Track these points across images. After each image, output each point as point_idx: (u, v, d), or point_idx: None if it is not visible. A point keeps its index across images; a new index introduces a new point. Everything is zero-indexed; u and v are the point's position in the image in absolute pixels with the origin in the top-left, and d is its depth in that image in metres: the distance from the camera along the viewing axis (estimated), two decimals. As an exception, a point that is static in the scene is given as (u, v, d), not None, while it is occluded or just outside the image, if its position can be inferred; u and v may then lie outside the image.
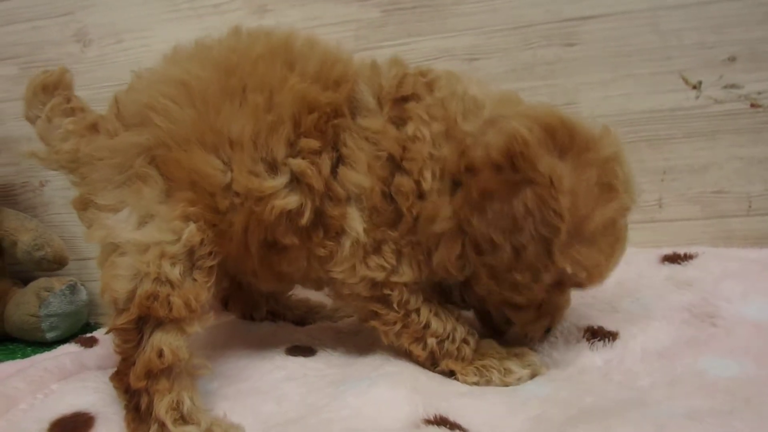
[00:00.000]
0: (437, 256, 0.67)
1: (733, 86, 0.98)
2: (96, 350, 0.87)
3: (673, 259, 0.90)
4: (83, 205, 0.72)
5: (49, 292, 1.15)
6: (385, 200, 0.68)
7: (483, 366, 0.71)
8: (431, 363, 0.73)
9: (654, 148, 1.02)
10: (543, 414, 0.61)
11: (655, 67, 0.99)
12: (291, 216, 0.69)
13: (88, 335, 0.93)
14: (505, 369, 0.70)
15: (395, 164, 0.67)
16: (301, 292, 0.98)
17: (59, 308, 1.15)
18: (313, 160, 0.68)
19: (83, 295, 1.19)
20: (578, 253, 0.63)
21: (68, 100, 0.77)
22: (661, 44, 0.99)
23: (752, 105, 0.98)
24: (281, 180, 0.68)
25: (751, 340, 0.68)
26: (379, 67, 0.73)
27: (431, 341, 0.72)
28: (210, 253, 0.69)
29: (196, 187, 0.69)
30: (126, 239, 0.67)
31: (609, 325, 0.75)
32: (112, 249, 0.68)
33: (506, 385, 0.70)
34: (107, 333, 0.68)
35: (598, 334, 0.73)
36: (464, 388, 0.70)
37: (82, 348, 0.88)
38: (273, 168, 0.69)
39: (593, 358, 0.71)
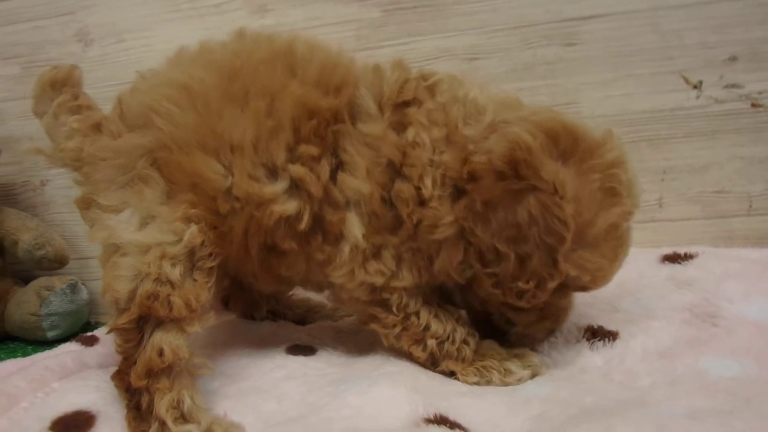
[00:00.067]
0: (438, 262, 0.67)
1: (733, 86, 0.98)
2: (97, 349, 0.87)
3: (673, 258, 0.90)
4: (86, 204, 0.72)
5: (49, 291, 1.15)
6: (385, 206, 0.68)
7: (483, 367, 0.71)
8: (431, 364, 0.73)
9: (654, 147, 1.02)
10: (544, 413, 0.61)
11: (655, 66, 0.99)
12: (290, 221, 0.69)
13: (89, 334, 0.93)
14: (505, 369, 0.70)
15: (395, 170, 0.67)
16: (302, 292, 0.98)
17: (60, 307, 1.15)
18: (312, 167, 0.68)
19: (84, 294, 1.19)
20: (582, 258, 0.62)
21: (76, 98, 0.77)
22: (662, 44, 0.99)
23: (753, 105, 0.98)
24: (281, 186, 0.69)
25: (752, 340, 0.68)
26: (382, 71, 0.72)
27: (431, 343, 0.72)
28: (210, 254, 0.69)
29: (197, 189, 0.69)
30: (127, 240, 0.67)
31: (609, 325, 0.75)
32: (113, 249, 0.68)
33: (506, 386, 0.70)
34: (108, 332, 0.68)
35: (598, 334, 0.73)
36: (464, 387, 0.70)
37: (83, 347, 0.88)
38: (273, 173, 0.69)
39: (593, 357, 0.71)
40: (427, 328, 0.71)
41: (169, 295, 0.65)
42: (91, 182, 0.72)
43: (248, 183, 0.68)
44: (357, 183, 0.68)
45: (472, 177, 0.64)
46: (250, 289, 0.93)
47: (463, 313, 0.75)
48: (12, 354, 1.10)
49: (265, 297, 0.95)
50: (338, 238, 0.69)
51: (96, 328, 1.04)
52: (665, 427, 0.52)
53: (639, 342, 0.71)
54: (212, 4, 1.14)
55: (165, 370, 0.65)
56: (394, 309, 0.71)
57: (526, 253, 0.62)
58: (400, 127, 0.68)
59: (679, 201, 1.03)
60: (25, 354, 1.06)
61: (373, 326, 0.74)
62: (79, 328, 1.19)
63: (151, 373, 0.64)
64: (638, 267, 0.89)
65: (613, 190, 0.63)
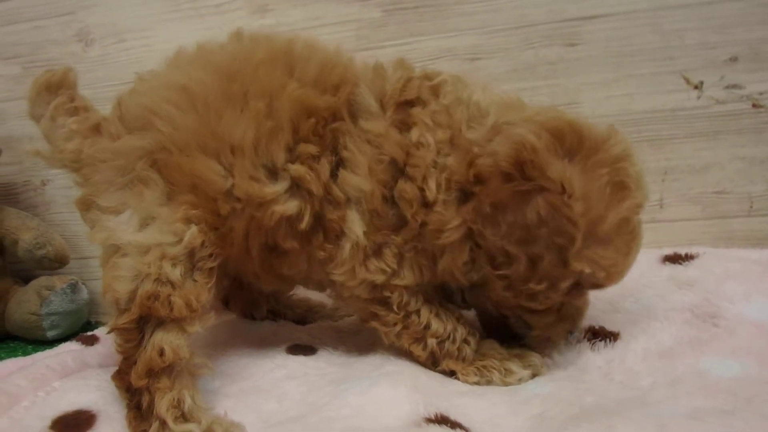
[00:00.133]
0: (443, 263, 0.67)
1: (734, 86, 0.98)
2: (97, 348, 0.87)
3: (674, 259, 0.90)
4: (86, 205, 0.73)
5: (50, 290, 1.15)
6: (386, 204, 0.68)
7: (484, 366, 0.71)
8: (432, 363, 0.73)
9: (655, 148, 1.02)
10: (544, 413, 0.61)
11: (656, 67, 0.99)
12: (290, 221, 0.69)
13: (89, 333, 0.93)
14: (506, 369, 0.70)
15: (398, 169, 0.67)
16: (302, 292, 0.98)
17: (60, 307, 1.15)
18: (311, 165, 0.68)
19: (84, 294, 1.19)
20: (595, 254, 0.62)
21: (72, 99, 0.77)
22: (663, 44, 0.99)
23: (754, 105, 0.98)
24: (281, 186, 0.69)
25: (752, 340, 0.68)
26: (384, 69, 0.72)
27: (431, 342, 0.72)
28: (210, 255, 0.70)
29: (198, 191, 0.69)
30: (127, 241, 0.67)
31: (610, 326, 0.75)
32: (113, 250, 0.68)
33: (507, 386, 0.70)
34: (109, 332, 0.68)
35: (599, 335, 0.73)
36: (465, 387, 0.70)
37: (83, 346, 0.88)
38: (273, 174, 0.69)
39: (594, 358, 0.71)
40: (427, 326, 0.71)
41: (169, 295, 0.65)
42: (91, 184, 0.72)
43: (249, 184, 0.68)
44: (358, 180, 0.68)
45: (479, 180, 0.64)
46: (250, 288, 0.93)
47: (465, 313, 0.75)
48: (12, 353, 1.10)
49: (265, 297, 0.95)
50: (339, 236, 0.69)
51: (96, 327, 1.04)
52: (666, 427, 0.52)
53: (640, 342, 0.71)
54: (212, 4, 1.14)
55: (165, 370, 0.65)
56: (395, 307, 0.71)
57: (537, 255, 0.62)
58: (403, 126, 0.68)
59: (680, 201, 1.03)
60: (25, 353, 1.06)
61: (374, 324, 0.74)
62: (79, 328, 1.19)
63: (152, 373, 0.64)
64: (639, 267, 0.87)
65: (622, 184, 0.63)
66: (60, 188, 1.27)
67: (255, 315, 0.95)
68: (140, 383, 0.64)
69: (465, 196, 0.65)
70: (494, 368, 0.71)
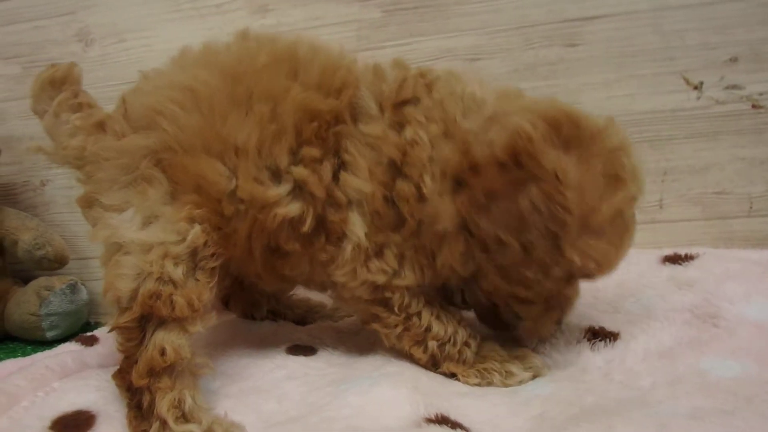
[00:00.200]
0: (441, 257, 0.67)
1: (734, 87, 0.98)
2: (97, 349, 0.87)
3: (674, 259, 0.90)
4: (88, 203, 0.72)
5: (49, 291, 1.15)
6: (387, 205, 0.68)
7: (484, 369, 0.71)
8: (432, 365, 0.73)
9: (655, 148, 1.02)
10: (545, 413, 0.61)
11: (657, 67, 1.00)
12: (293, 223, 0.69)
13: (89, 334, 0.92)
14: (506, 372, 0.70)
15: (396, 169, 0.67)
16: (302, 292, 0.98)
17: (59, 307, 1.15)
18: (314, 168, 0.69)
19: (83, 295, 1.19)
20: (587, 245, 0.62)
21: (76, 95, 0.76)
22: (664, 45, 0.99)
23: (754, 106, 0.98)
24: (284, 188, 0.69)
25: (753, 341, 0.68)
26: (382, 71, 0.72)
27: (432, 344, 0.72)
28: (213, 255, 0.70)
29: (202, 191, 0.69)
30: (130, 239, 0.67)
31: (610, 326, 0.74)
32: (116, 248, 0.68)
33: (507, 387, 0.70)
34: (110, 331, 0.68)
35: (599, 335, 0.73)
36: (465, 388, 0.70)
37: (83, 347, 0.88)
38: (276, 176, 0.69)
39: (594, 358, 0.71)
40: (428, 329, 0.71)
41: (171, 294, 0.65)
42: (94, 181, 0.72)
43: (252, 186, 0.68)
44: (359, 182, 0.68)
45: (473, 168, 0.63)
46: (251, 288, 0.93)
47: (465, 314, 0.75)
48: (11, 354, 1.10)
49: (266, 297, 0.95)
50: (341, 237, 0.69)
51: (95, 328, 1.04)
52: (666, 427, 0.52)
53: (640, 342, 0.71)
54: (213, 4, 1.14)
55: (166, 370, 0.65)
56: (396, 309, 0.71)
57: (530, 242, 0.61)
58: (398, 126, 0.68)
59: (680, 202, 1.03)
60: (24, 354, 1.06)
61: (375, 326, 0.74)
62: (79, 329, 1.19)
63: (153, 373, 0.64)
64: (639, 268, 0.89)
65: (617, 176, 0.63)
66: (60, 188, 1.27)
67: (255, 315, 0.95)
68: (141, 383, 0.64)
69: (459, 186, 0.65)
70: (495, 370, 0.71)
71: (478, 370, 0.71)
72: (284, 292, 0.96)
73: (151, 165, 0.69)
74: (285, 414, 0.66)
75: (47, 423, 0.66)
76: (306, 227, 0.69)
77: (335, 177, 0.69)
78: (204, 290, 0.68)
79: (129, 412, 0.65)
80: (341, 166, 0.69)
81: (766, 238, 1.00)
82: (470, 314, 0.76)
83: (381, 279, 0.69)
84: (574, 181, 0.60)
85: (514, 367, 0.71)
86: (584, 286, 0.71)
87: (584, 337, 0.74)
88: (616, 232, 0.64)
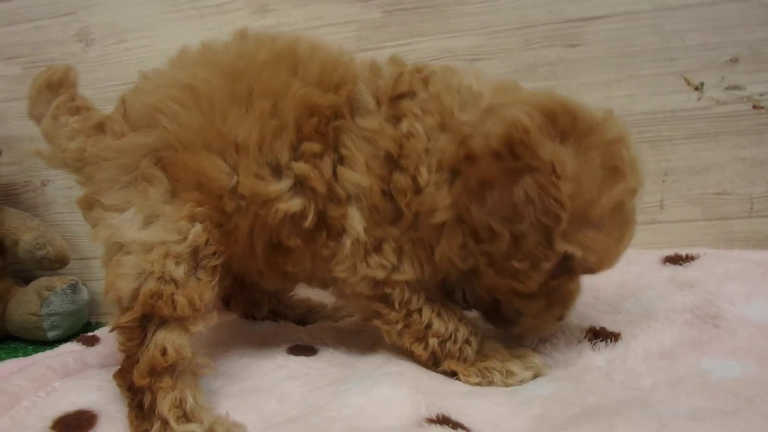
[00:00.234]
0: (439, 250, 0.67)
1: (735, 87, 0.98)
2: (98, 349, 0.87)
3: (674, 260, 0.90)
4: (88, 204, 0.73)
5: (50, 291, 1.15)
6: (385, 198, 0.68)
7: (485, 367, 0.71)
8: (433, 363, 0.73)
9: (656, 149, 1.02)
10: (545, 413, 0.61)
11: (657, 68, 1.00)
12: (295, 219, 0.70)
13: (90, 334, 0.93)
14: (507, 371, 0.70)
15: (393, 162, 0.68)
16: (303, 292, 0.98)
17: (60, 307, 1.15)
18: (315, 163, 0.69)
19: (84, 295, 1.19)
20: (587, 238, 0.62)
21: (73, 98, 0.77)
22: (664, 45, 0.99)
23: (754, 106, 0.98)
24: (285, 184, 0.69)
25: (753, 341, 0.68)
26: (379, 67, 0.73)
27: (433, 341, 0.72)
28: (214, 253, 0.70)
29: (203, 188, 0.69)
30: (131, 238, 0.67)
31: (611, 326, 0.75)
32: (117, 248, 0.68)
33: (508, 387, 0.70)
34: (111, 331, 0.68)
35: (600, 335, 0.73)
36: (466, 387, 0.70)
37: (84, 347, 0.88)
38: (277, 172, 0.69)
39: (595, 358, 0.71)
40: (429, 326, 0.71)
41: (172, 293, 0.65)
42: (94, 182, 0.72)
43: (253, 182, 0.68)
44: (357, 177, 0.68)
45: (469, 158, 0.63)
46: (251, 288, 0.93)
47: (466, 313, 0.75)
48: (12, 354, 1.10)
49: (266, 297, 0.95)
50: (340, 232, 0.70)
51: (96, 328, 1.04)
52: (667, 427, 0.52)
53: (640, 343, 0.71)
54: (213, 4, 1.14)
55: (168, 369, 0.65)
56: (396, 305, 0.71)
57: (521, 233, 0.61)
58: (395, 119, 0.68)
59: (680, 202, 1.03)
60: (25, 354, 1.06)
61: (376, 323, 0.74)
62: (80, 329, 1.19)
63: (154, 372, 0.64)
64: (639, 268, 0.89)
65: (616, 168, 0.63)
66: (60, 189, 1.27)
67: (256, 315, 0.96)
68: (142, 382, 0.64)
69: (455, 177, 0.65)
70: (495, 369, 0.71)
71: (478, 369, 0.71)
72: (285, 291, 0.96)
73: (152, 164, 0.70)
74: (286, 414, 0.66)
75: (48, 423, 0.66)
76: (307, 222, 0.69)
77: (335, 172, 0.69)
78: (205, 289, 0.68)
79: (130, 411, 0.65)
80: (339, 160, 0.69)
81: (766, 239, 1.00)
82: (471, 313, 0.76)
83: (380, 274, 0.69)
84: (571, 173, 0.60)
85: (515, 367, 0.71)
86: (585, 286, 0.71)
87: (585, 337, 0.74)
88: (616, 225, 0.64)
